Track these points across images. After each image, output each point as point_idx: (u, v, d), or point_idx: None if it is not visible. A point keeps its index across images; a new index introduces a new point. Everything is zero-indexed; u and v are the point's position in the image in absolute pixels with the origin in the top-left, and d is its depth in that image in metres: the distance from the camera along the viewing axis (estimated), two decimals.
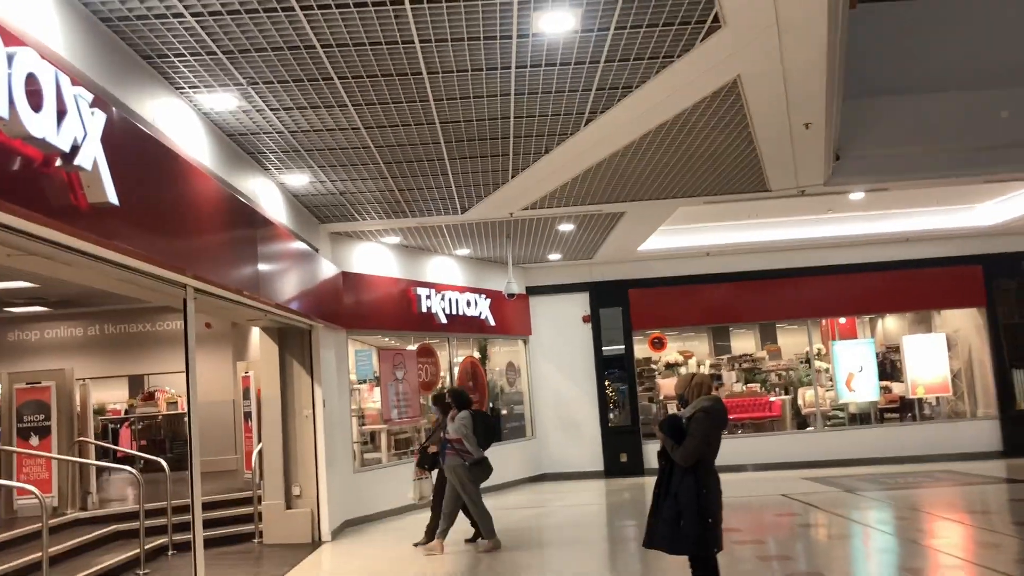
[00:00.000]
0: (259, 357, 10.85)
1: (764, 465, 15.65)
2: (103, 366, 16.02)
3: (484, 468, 9.45)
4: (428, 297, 13.26)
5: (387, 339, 13.94)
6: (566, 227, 12.43)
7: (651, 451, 15.96)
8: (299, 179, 8.93)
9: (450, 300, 13.78)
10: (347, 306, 11.63)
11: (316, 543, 10.26)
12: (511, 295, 13.17)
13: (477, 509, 9.43)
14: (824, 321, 20.09)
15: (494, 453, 14.94)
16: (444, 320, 13.56)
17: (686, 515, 5.38)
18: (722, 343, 25.12)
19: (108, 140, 4.48)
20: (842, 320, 18.38)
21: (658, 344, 17.64)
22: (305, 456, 10.47)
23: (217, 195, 6.87)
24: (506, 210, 10.89)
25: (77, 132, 4.13)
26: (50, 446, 10.43)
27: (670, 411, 17.27)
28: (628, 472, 15.72)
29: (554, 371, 16.14)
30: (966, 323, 16.79)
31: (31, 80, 3.73)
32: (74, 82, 4.18)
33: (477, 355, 15.28)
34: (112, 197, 4.45)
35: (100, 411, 19.36)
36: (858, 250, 16.06)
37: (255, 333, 12.94)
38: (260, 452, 10.49)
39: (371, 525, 11.49)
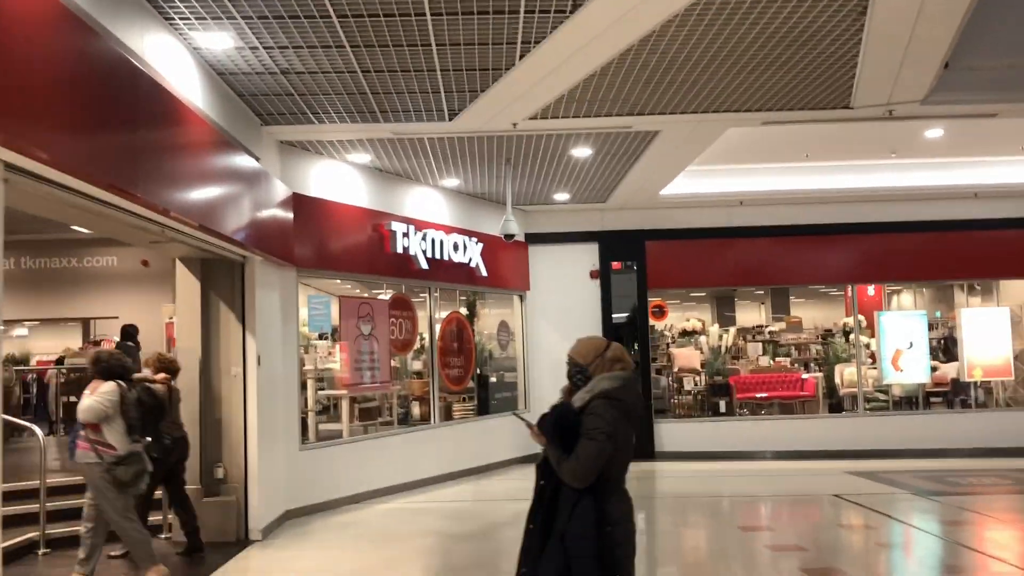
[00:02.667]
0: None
1: (786, 453, 13.26)
2: (20, 308, 13.45)
3: (135, 470, 6.13)
4: (405, 235, 10.68)
5: (350, 286, 11.43)
6: (582, 152, 9.86)
7: (666, 432, 13.57)
8: (220, 40, 6.30)
9: (433, 241, 11.21)
10: (299, 238, 9.08)
11: (242, 542, 7.77)
12: (509, 236, 10.63)
13: (123, 526, 6.21)
14: (850, 291, 17.98)
15: (480, 428, 12.69)
16: (425, 265, 11.00)
17: (577, 567, 3.32)
18: (728, 313, 22.92)
19: None
20: (871, 291, 16.12)
21: (659, 313, 15.22)
22: (232, 428, 7.97)
23: (65, 27, 4.30)
24: (508, 119, 8.32)
25: None
26: None
27: (686, 385, 14.88)
28: (635, 455, 13.24)
29: (554, 334, 13.62)
30: None
31: None
32: None
33: (464, 312, 12.78)
34: None
35: (25, 360, 16.88)
36: (915, 206, 13.59)
37: None
38: None
39: (321, 517, 9.02)
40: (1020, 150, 12.14)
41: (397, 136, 8.88)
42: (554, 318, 13.64)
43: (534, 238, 13.67)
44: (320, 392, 10.60)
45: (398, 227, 10.54)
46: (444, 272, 11.52)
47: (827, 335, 20.43)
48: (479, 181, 11.37)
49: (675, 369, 15.19)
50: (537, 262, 13.69)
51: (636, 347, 13.60)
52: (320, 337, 10.99)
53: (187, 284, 8.00)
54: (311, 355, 10.69)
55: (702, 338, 15.73)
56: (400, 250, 10.56)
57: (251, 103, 7.76)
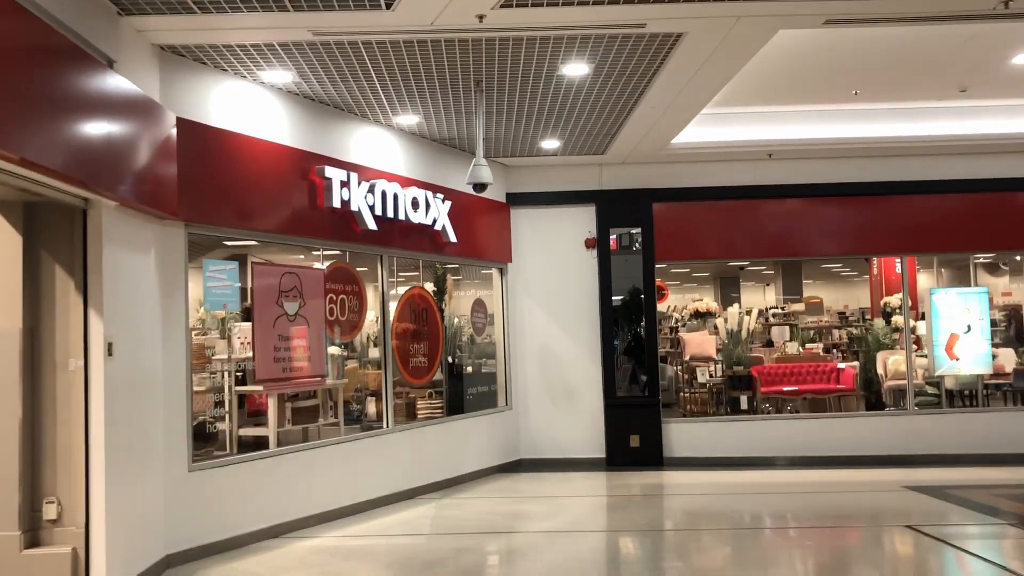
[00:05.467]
0: None
1: (809, 460, 10.87)
2: None
3: None
4: (345, 185, 8.18)
5: (303, 257, 8.97)
6: (577, 69, 7.39)
7: (675, 433, 11.18)
8: None
9: (384, 195, 8.72)
10: (189, 182, 6.60)
11: None
12: (480, 187, 8.17)
13: None
14: (876, 268, 15.77)
15: (447, 431, 9.99)
16: (372, 225, 8.50)
17: None
18: (733, 294, 20.91)
19: None
20: (898, 267, 13.83)
21: (658, 294, 12.85)
22: (72, 446, 5.53)
23: None
24: (472, 7, 5.85)
25: None
26: None
27: (700, 377, 12.50)
28: (640, 462, 10.91)
29: (542, 315, 11.23)
30: None
31: None
32: None
33: (430, 288, 10.34)
34: None
35: None
36: (980, 161, 11.24)
37: None
38: None
39: (219, 563, 6.54)
40: None
41: (320, 38, 6.39)
42: (542, 296, 11.24)
43: (517, 199, 11.25)
44: (237, 388, 8.18)
45: (334, 174, 8.04)
46: (400, 236, 9.06)
47: (841, 318, 18.29)
48: (444, 119, 8.89)
49: (686, 357, 12.82)
50: (521, 228, 11.26)
51: (641, 330, 11.18)
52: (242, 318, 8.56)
53: (2, 239, 5.53)
54: (224, 340, 8.29)
55: (718, 320, 13.33)
56: (338, 204, 8.06)
57: None
